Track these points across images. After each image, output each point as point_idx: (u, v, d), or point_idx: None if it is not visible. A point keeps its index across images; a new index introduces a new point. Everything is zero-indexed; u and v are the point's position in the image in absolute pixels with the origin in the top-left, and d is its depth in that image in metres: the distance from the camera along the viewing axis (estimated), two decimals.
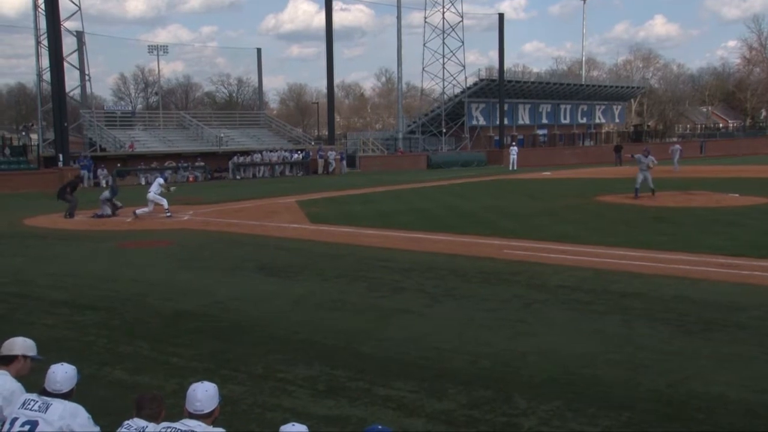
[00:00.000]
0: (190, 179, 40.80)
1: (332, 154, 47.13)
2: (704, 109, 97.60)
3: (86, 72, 42.64)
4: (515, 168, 46.22)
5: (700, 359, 7.47)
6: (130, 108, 66.42)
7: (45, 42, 37.88)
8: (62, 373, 4.14)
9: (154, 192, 21.28)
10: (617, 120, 77.30)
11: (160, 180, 21.87)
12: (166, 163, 40.59)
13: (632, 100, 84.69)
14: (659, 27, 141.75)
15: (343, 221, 19.99)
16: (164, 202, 21.24)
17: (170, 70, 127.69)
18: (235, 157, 42.88)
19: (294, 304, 10.30)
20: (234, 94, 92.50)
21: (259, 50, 56.61)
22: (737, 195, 24.51)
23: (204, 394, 3.89)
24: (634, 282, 11.28)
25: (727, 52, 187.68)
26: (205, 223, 20.37)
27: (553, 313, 9.54)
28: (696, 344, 8.01)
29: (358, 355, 7.84)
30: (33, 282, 12.25)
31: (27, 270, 13.37)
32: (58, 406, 4.01)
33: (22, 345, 4.55)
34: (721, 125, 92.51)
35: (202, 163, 42.17)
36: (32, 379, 4.44)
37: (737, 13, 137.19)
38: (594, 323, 8.98)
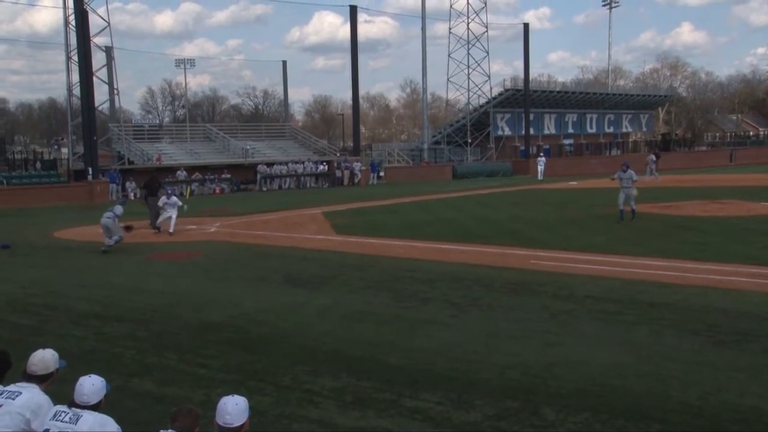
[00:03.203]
0: (217, 191, 41.19)
1: (357, 165, 47.28)
2: (734, 117, 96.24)
3: (115, 86, 43.32)
4: (542, 178, 45.99)
5: (731, 370, 7.34)
6: (157, 121, 67.43)
7: (75, 57, 38.59)
8: (89, 385, 4.19)
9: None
10: (644, 129, 76.53)
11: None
12: (193, 176, 41.04)
13: (660, 109, 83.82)
14: (686, 35, 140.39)
15: (368, 232, 20.02)
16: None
17: (197, 83, 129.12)
18: (260, 166, 43.24)
19: (320, 315, 10.33)
20: (260, 107, 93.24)
21: (284, 62, 57.12)
22: None
23: (234, 407, 3.92)
24: (663, 292, 11.13)
25: (756, 59, 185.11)
26: (232, 234, 20.50)
27: (581, 323, 9.45)
28: (727, 355, 7.88)
29: (385, 366, 7.82)
30: (63, 294, 12.43)
31: (57, 282, 13.58)
32: (89, 417, 4.06)
33: (53, 359, 4.61)
34: (751, 133, 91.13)
35: (229, 175, 42.56)
36: (63, 390, 4.50)
37: (766, 19, 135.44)
38: (623, 334, 8.87)
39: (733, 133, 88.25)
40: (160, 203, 21.18)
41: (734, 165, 59.15)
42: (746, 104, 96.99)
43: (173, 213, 20.70)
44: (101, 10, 39.95)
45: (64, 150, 47.76)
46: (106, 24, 40.38)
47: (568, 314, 9.95)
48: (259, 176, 43.09)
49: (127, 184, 38.85)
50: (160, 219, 21.04)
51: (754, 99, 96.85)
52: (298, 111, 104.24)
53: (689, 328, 8.98)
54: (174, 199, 21.13)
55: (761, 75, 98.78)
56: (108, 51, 43.15)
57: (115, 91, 43.52)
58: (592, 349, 8.24)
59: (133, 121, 56.21)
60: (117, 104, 45.08)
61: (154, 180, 23.57)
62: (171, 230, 20.49)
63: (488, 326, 9.42)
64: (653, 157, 43.28)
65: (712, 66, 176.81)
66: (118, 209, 18.50)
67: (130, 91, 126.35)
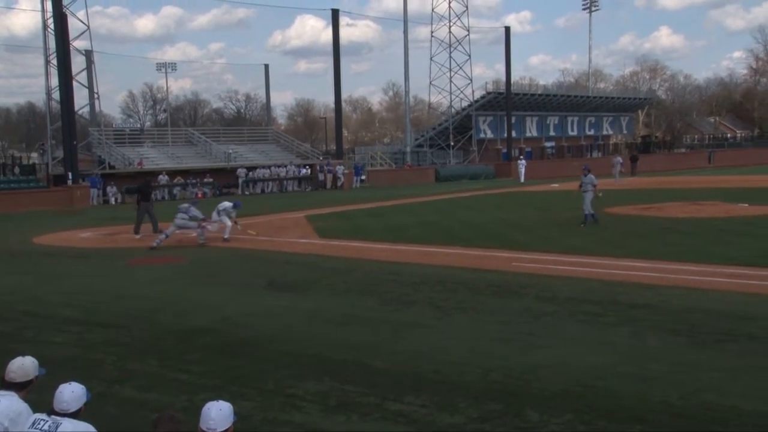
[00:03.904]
0: (199, 195, 40.90)
1: (340, 169, 47.23)
2: (712, 120, 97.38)
3: (95, 90, 42.99)
4: (524, 180, 46.19)
5: (711, 371, 7.41)
6: (138, 125, 66.91)
7: (54, 61, 38.25)
8: (69, 393, 4.14)
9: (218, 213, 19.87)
10: (625, 131, 77.22)
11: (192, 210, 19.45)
12: (175, 180, 40.80)
13: (640, 111, 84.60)
14: (665, 38, 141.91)
15: (352, 235, 20.00)
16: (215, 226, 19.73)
17: (178, 87, 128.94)
18: (239, 170, 43.00)
19: (304, 319, 10.30)
20: (242, 110, 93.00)
21: (266, 66, 56.98)
22: (746, 205, 24.38)
23: (218, 413, 3.88)
24: (644, 293, 11.22)
25: (733, 62, 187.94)
26: (215, 239, 20.37)
27: (564, 325, 9.50)
28: (707, 355, 7.95)
29: (369, 369, 7.81)
30: (43, 300, 12.29)
31: (37, 288, 13.41)
32: (68, 425, 4.01)
33: (32, 367, 4.55)
34: (729, 135, 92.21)
35: (211, 180, 42.34)
36: (42, 398, 4.45)
37: (742, 24, 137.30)
38: (604, 335, 8.93)
39: (711, 136, 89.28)
40: (220, 207, 20.10)
41: (713, 167, 59.83)
42: (724, 107, 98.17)
43: (226, 220, 19.84)
44: (81, 14, 39.85)
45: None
46: (86, 27, 40.13)
47: (550, 316, 10.00)
48: (240, 180, 42.91)
49: (108, 188, 38.54)
50: (212, 228, 19.87)
51: (731, 102, 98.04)
52: (280, 115, 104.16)
53: (670, 329, 9.05)
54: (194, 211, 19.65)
55: (738, 78, 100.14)
56: (88, 55, 42.83)
57: (96, 95, 43.20)
58: (575, 350, 8.28)
59: (114, 126, 55.77)
60: (97, 108, 44.78)
61: (146, 184, 23.35)
62: (226, 236, 19.61)
63: (472, 329, 9.44)
64: (619, 159, 43.71)
65: (690, 69, 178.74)
66: (192, 210, 19.42)
67: (111, 95, 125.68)
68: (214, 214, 20.03)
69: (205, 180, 42.19)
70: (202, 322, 10.18)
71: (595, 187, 20.56)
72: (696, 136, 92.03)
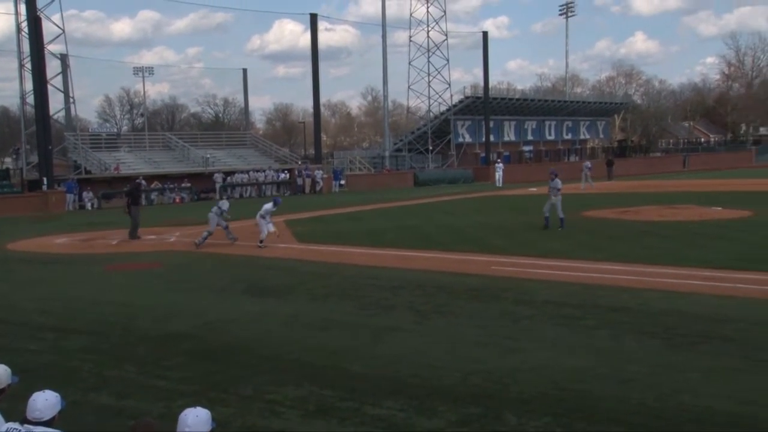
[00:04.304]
0: (177, 200, 40.67)
1: (319, 173, 47.14)
2: (686, 124, 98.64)
3: (71, 95, 42.48)
4: (501, 184, 46.36)
5: (687, 372, 7.49)
6: (115, 130, 66.33)
7: (29, 65, 37.76)
8: (42, 401, 4.09)
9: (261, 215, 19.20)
10: (602, 135, 77.87)
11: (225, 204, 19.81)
12: (152, 185, 40.47)
13: (616, 116, 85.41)
14: (640, 44, 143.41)
15: (331, 240, 19.98)
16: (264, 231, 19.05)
17: (156, 91, 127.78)
18: (216, 176, 42.73)
19: (283, 324, 10.26)
20: (220, 115, 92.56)
21: (244, 71, 56.74)
22: (720, 208, 24.72)
23: (195, 419, 3.85)
24: (621, 296, 11.32)
25: (706, 68, 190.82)
26: (193, 244, 20.23)
27: (542, 328, 9.55)
28: (683, 357, 8.04)
29: (348, 374, 7.80)
30: (18, 307, 12.12)
31: (12, 295, 13.23)
32: None
33: (5, 375, 4.48)
34: (702, 140, 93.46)
35: (189, 184, 42.04)
36: (16, 406, 4.38)
37: (714, 30, 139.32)
38: (583, 338, 8.99)
39: (686, 140, 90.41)
40: (261, 212, 19.21)
41: (687, 170, 60.51)
42: (697, 112, 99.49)
43: (271, 226, 19.09)
44: (56, 17, 39.45)
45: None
46: (61, 31, 39.64)
47: (529, 319, 10.05)
48: (217, 186, 42.66)
49: (84, 194, 38.12)
50: (264, 234, 19.06)
51: (704, 107, 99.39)
52: (259, 119, 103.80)
53: (647, 331, 9.14)
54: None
55: (711, 83, 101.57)
56: (63, 59, 42.34)
57: (71, 100, 42.71)
58: (554, 353, 8.33)
59: (90, 130, 55.11)
60: (73, 113, 44.31)
61: (136, 188, 23.24)
62: (262, 239, 19.00)
63: (451, 332, 9.46)
64: (588, 164, 44.08)
65: (665, 74, 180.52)
66: (224, 204, 19.70)
67: (87, 100, 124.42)
68: (260, 220, 19.17)
69: (183, 185, 41.87)
70: (180, 328, 10.10)
71: (558, 191, 20.65)
72: (671, 141, 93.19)
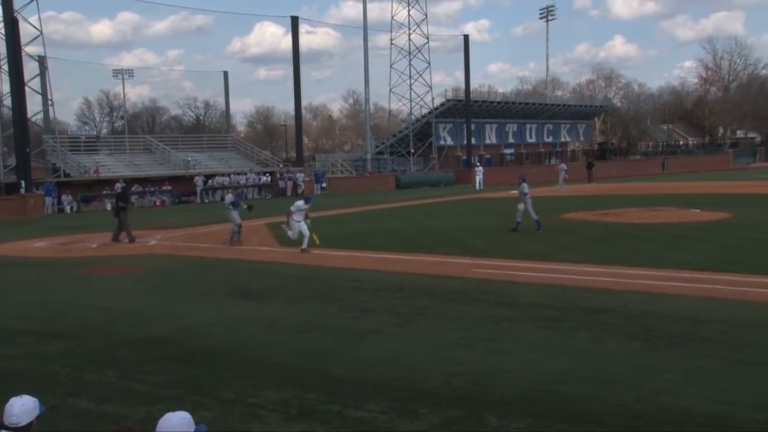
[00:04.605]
0: (158, 203, 40.39)
1: (300, 176, 47.04)
2: (665, 127, 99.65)
3: (49, 97, 42.08)
4: (482, 187, 46.44)
5: (667, 373, 7.56)
6: (94, 133, 65.73)
7: (6, 67, 37.36)
8: (19, 406, 4.03)
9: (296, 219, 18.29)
10: (582, 138, 78.51)
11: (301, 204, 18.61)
12: (133, 188, 40.17)
13: (596, 119, 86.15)
14: (619, 47, 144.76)
15: (312, 243, 19.89)
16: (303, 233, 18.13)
17: (136, 94, 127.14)
18: (196, 179, 42.50)
19: (265, 327, 10.23)
20: (201, 118, 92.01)
21: (225, 73, 56.63)
22: (698, 210, 25.00)
23: (169, 423, 3.81)
24: (602, 298, 11.41)
25: (684, 71, 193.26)
26: (174, 247, 20.14)
27: (524, 330, 9.60)
28: (663, 358, 8.12)
29: (330, 377, 7.79)
30: None
31: None
32: None
33: None
34: (681, 143, 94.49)
35: (169, 187, 41.78)
36: None
37: (691, 34, 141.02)
38: (564, 340, 9.04)
39: (665, 143, 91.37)
40: (292, 209, 18.31)
41: (667, 173, 61.12)
42: (676, 115, 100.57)
43: (303, 227, 18.16)
44: (33, 19, 39.19)
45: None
46: (39, 33, 39.28)
47: (510, 321, 10.09)
48: (198, 189, 42.45)
49: (63, 197, 37.75)
50: (293, 234, 18.39)
51: (683, 110, 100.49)
52: (240, 122, 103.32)
53: (628, 333, 9.21)
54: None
55: (689, 87, 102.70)
56: (41, 60, 42.00)
57: (50, 102, 42.30)
58: (535, 355, 8.38)
59: (69, 133, 54.67)
60: (51, 115, 43.86)
61: (126, 191, 23.17)
62: (304, 246, 18.02)
63: (433, 335, 9.47)
64: (564, 166, 44.40)
65: (644, 78, 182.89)
66: (228, 197, 19.50)
67: (66, 102, 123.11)
68: (294, 223, 18.24)
69: (164, 188, 41.62)
70: (160, 332, 10.04)
71: (524, 195, 20.80)
72: (650, 144, 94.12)
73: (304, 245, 18.07)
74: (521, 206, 20.76)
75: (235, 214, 20.23)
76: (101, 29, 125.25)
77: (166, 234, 23.28)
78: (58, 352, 9.21)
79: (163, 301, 12.40)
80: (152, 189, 41.10)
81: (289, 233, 18.56)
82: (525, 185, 21.00)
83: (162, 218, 29.73)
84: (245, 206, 21.12)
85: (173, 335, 9.85)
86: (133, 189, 39.97)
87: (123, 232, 21.34)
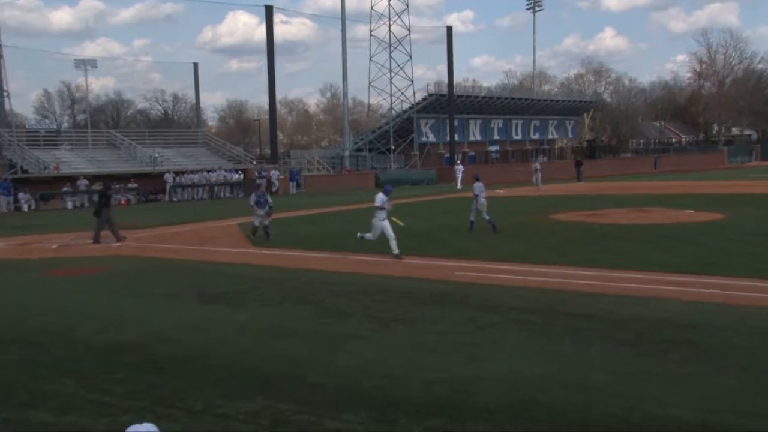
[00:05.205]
0: (123, 202, 40.09)
1: (275, 174, 46.95)
2: (657, 124, 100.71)
3: (5, 88, 41.69)
4: (461, 186, 46.54)
5: (653, 380, 7.69)
6: (55, 126, 65.02)
7: None
8: None
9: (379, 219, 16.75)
10: (570, 135, 79.14)
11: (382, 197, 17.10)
12: (94, 186, 39.86)
13: (585, 115, 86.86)
14: (609, 40, 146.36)
15: (287, 244, 19.97)
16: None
17: (99, 85, 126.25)
18: (166, 175, 42.29)
19: (236, 332, 10.22)
20: (169, 112, 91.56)
21: (195, 65, 56.36)
22: (692, 211, 25.31)
23: None
24: (586, 302, 11.53)
25: (676, 65, 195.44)
26: (140, 248, 20.04)
27: (507, 335, 9.69)
28: (649, 365, 8.24)
29: (305, 385, 7.81)
30: None
31: None
32: None
33: None
34: (674, 140, 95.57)
35: (136, 185, 41.51)
36: None
37: (684, 26, 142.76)
38: (547, 345, 9.15)
39: (657, 140, 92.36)
40: (377, 204, 17.02)
41: (658, 172, 61.82)
42: (669, 111, 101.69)
43: (386, 225, 16.87)
44: None
45: None
46: None
47: (493, 327, 10.18)
48: (168, 186, 42.23)
49: (21, 195, 37.36)
50: (373, 236, 17.17)
51: (675, 106, 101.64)
52: (211, 117, 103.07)
53: (612, 338, 9.34)
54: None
55: (682, 82, 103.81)
56: None
57: (5, 93, 41.90)
58: (518, 361, 8.46)
59: (26, 126, 54.04)
60: (8, 107, 43.43)
61: (107, 190, 23.10)
62: (395, 251, 16.57)
63: (413, 341, 9.53)
64: (537, 165, 44.95)
65: (635, 72, 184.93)
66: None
67: (24, 94, 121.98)
68: (377, 222, 16.97)
69: (130, 185, 41.33)
70: (125, 338, 10.00)
71: (475, 195, 21.52)
72: (642, 141, 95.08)
73: (396, 249, 16.45)
74: (481, 205, 21.35)
75: (258, 214, 21.17)
76: (62, 16, 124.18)
77: (132, 234, 23.13)
78: (16, 360, 9.14)
79: (128, 306, 12.34)
80: (117, 186, 40.78)
81: (368, 236, 16.99)
82: (478, 184, 21.67)
83: (128, 218, 29.51)
84: (268, 207, 21.60)
85: (139, 341, 9.81)
86: (94, 186, 39.63)
87: (102, 231, 21.44)
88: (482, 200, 21.58)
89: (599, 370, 8.05)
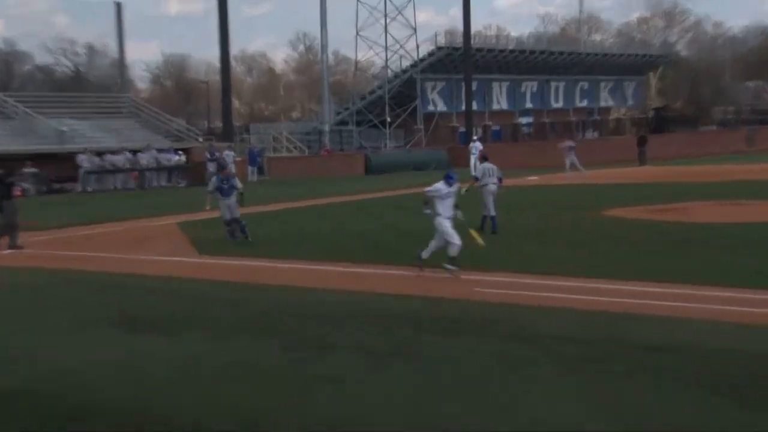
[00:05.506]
0: (17, 193, 39.85)
1: (229, 155, 46.70)
2: (751, 85, 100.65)
3: None
4: (476, 172, 46.30)
5: None
6: None
7: None
8: None
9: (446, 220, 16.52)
10: (631, 102, 79.28)
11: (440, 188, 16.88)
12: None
13: (651, 75, 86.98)
14: None
15: (245, 251, 20.06)
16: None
17: None
18: (80, 156, 42.17)
19: (174, 373, 10.11)
20: (82, 69, 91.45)
21: (118, 5, 56.31)
22: None
23: None
24: (661, 329, 11.42)
25: None
26: (39, 257, 20.05)
27: (549, 377, 9.53)
28: (759, 417, 8.05)
29: None
30: None
31: None
32: None
33: None
34: None
35: (35, 170, 41.30)
36: None
37: None
38: (609, 392, 8.97)
39: (752, 108, 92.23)
40: (431, 193, 16.82)
41: (754, 151, 61.76)
42: None
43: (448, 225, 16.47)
44: None
45: None
46: None
47: (530, 364, 10.04)
48: (81, 171, 42.11)
49: None
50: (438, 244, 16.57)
51: None
52: (141, 76, 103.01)
53: (701, 382, 9.15)
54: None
55: None
56: None
57: None
58: (566, 415, 8.28)
59: None
60: None
61: (7, 177, 23.13)
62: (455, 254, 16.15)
63: (417, 384, 9.39)
64: (571, 143, 44.39)
65: (722, 14, 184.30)
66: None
67: None
68: (442, 221, 16.48)
69: (26, 170, 41.04)
70: (18, 381, 9.89)
71: (483, 183, 21.99)
72: (731, 109, 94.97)
73: (452, 259, 16.14)
74: (490, 193, 21.88)
75: (223, 204, 21.20)
76: None
77: (29, 237, 23.03)
78: None
79: (20, 336, 12.26)
80: (9, 172, 40.58)
81: (431, 247, 16.61)
82: (486, 166, 22.85)
83: (23, 215, 29.32)
84: (237, 193, 21.67)
85: (34, 386, 9.68)
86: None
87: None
88: (492, 187, 21.83)
89: (686, 426, 7.85)
